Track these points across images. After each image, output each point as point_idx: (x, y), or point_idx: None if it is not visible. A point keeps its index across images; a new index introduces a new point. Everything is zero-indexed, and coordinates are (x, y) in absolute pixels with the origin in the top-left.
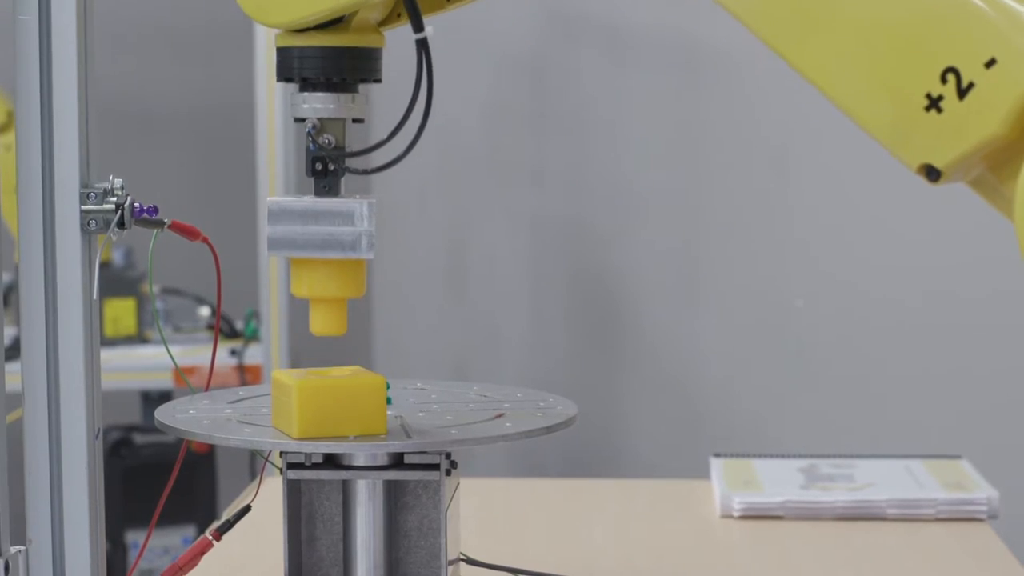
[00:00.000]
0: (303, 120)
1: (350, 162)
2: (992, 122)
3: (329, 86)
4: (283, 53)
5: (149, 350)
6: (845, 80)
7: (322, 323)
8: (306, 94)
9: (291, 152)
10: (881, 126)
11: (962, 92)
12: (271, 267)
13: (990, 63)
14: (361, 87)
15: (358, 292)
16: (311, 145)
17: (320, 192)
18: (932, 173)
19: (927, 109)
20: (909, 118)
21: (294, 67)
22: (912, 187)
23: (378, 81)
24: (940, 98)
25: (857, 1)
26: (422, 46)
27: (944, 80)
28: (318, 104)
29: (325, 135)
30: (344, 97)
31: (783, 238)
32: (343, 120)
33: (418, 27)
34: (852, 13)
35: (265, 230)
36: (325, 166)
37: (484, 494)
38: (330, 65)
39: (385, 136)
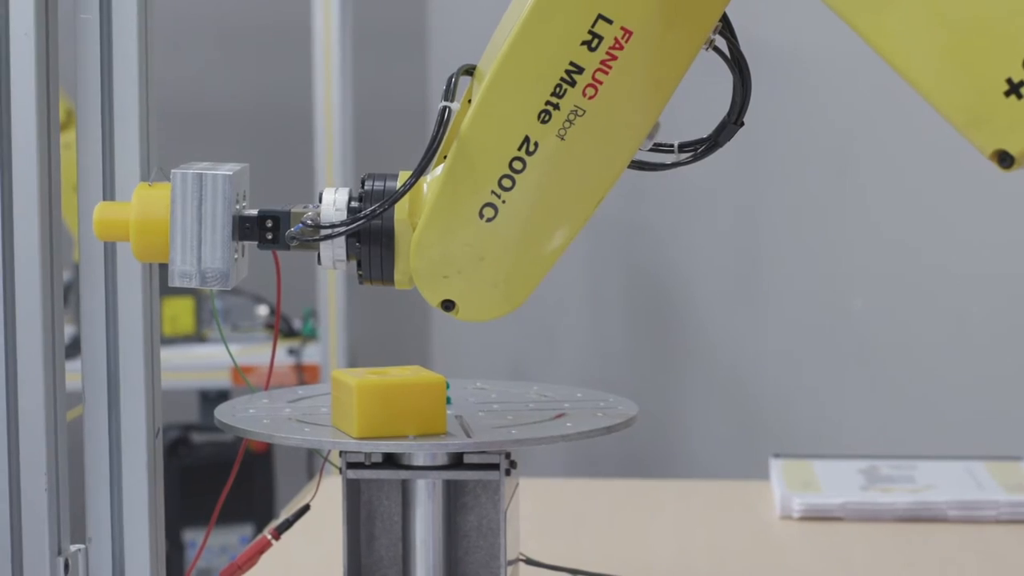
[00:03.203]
0: None
1: None
2: None
3: None
4: None
5: (207, 349)
6: (922, 58)
7: None
8: None
9: (348, 149)
10: (957, 108)
11: None
12: None
13: None
14: None
15: None
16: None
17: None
18: (1005, 159)
19: (1007, 94)
20: (987, 102)
21: None
22: (973, 186)
23: None
24: (1022, 83)
25: None
26: None
27: None
28: None
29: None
30: None
31: (843, 237)
32: None
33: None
34: None
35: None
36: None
37: (543, 494)
38: None
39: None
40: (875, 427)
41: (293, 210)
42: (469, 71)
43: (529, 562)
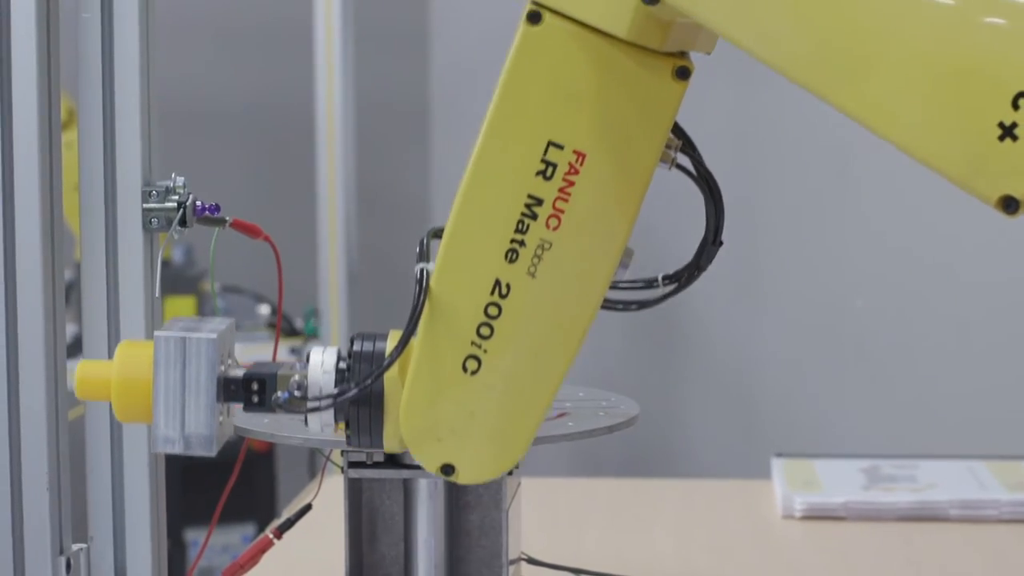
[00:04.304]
0: None
1: None
2: None
3: None
4: None
5: None
6: (908, 120)
7: None
8: None
9: (350, 148)
10: (953, 163)
11: None
12: (330, 265)
13: None
14: None
15: None
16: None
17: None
18: (1011, 205)
19: (1000, 139)
20: (982, 151)
21: None
22: None
23: None
24: (1014, 125)
25: (913, 33)
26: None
27: (1016, 106)
28: None
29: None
30: None
31: (843, 237)
32: None
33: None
34: (909, 47)
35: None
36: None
37: (545, 493)
38: None
39: None
40: (876, 427)
41: (280, 372)
42: (438, 234)
43: (531, 561)
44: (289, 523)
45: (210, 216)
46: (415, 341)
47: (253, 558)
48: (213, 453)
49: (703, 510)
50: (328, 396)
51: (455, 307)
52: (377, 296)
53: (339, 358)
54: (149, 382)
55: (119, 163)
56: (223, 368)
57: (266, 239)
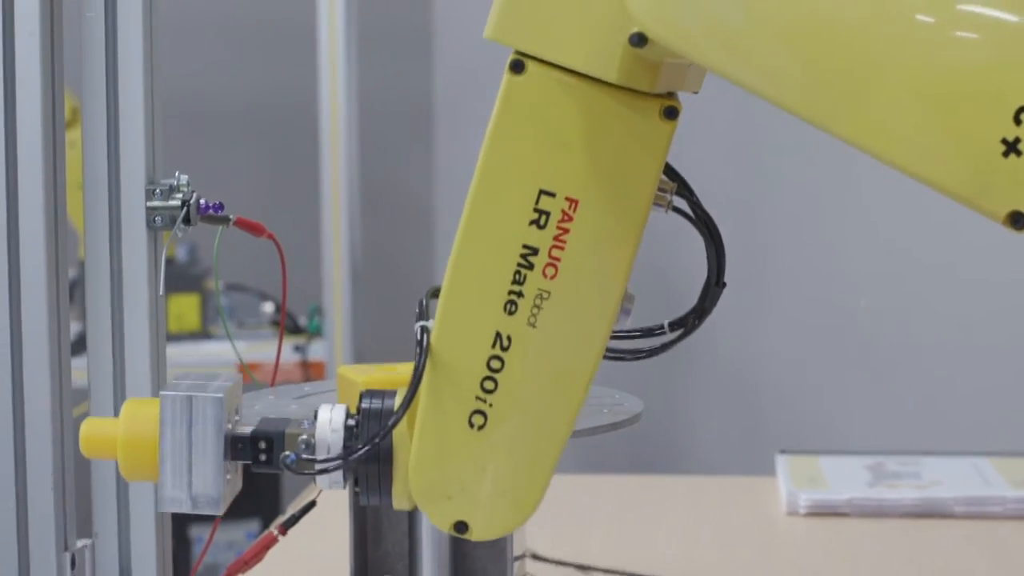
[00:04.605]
0: None
1: None
2: None
3: None
4: None
5: (213, 346)
6: (910, 143)
7: None
8: None
9: (354, 148)
10: (957, 182)
11: None
12: (334, 263)
13: None
14: None
15: None
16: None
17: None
18: (1019, 220)
19: (1005, 155)
20: (987, 168)
21: None
22: None
23: None
24: (1017, 140)
25: (909, 56)
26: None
27: (1018, 121)
28: None
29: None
30: None
31: (847, 236)
32: None
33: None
34: (906, 70)
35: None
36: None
37: (550, 490)
38: None
39: None
40: (881, 424)
41: (288, 431)
42: (436, 293)
43: (536, 557)
44: (294, 519)
45: (214, 214)
46: (421, 401)
47: (257, 555)
48: (221, 512)
49: (708, 507)
50: (337, 458)
51: (457, 363)
52: (380, 294)
53: (347, 415)
54: (155, 441)
55: (123, 161)
56: (230, 426)
57: (270, 237)
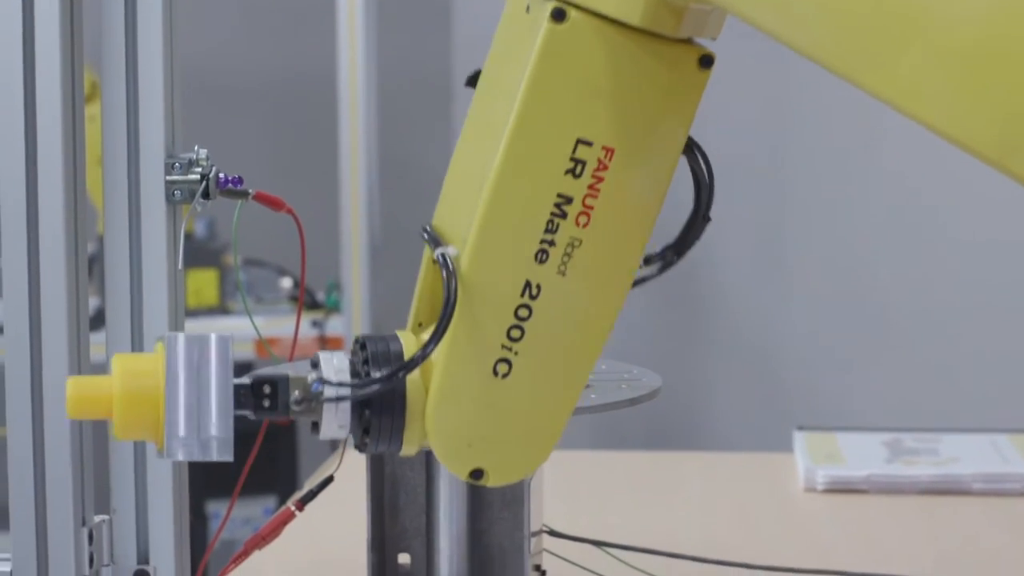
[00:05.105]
0: None
1: None
2: None
3: None
4: None
5: (231, 321)
6: (938, 99)
7: None
8: None
9: (372, 123)
10: (987, 143)
11: None
12: (353, 238)
13: None
14: None
15: None
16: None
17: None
18: None
19: None
20: (1017, 130)
21: None
22: None
23: None
24: None
25: (943, 12)
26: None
27: None
28: None
29: None
30: None
31: (867, 211)
32: None
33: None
34: (939, 25)
35: None
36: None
37: (567, 466)
38: None
39: None
40: (899, 400)
41: (292, 375)
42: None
43: (553, 533)
44: (311, 495)
45: (233, 188)
46: (439, 348)
47: (275, 530)
48: (231, 457)
49: (725, 483)
50: (356, 383)
51: (484, 314)
52: (399, 269)
53: (350, 361)
54: (157, 393)
55: (142, 136)
56: None
57: (289, 211)
